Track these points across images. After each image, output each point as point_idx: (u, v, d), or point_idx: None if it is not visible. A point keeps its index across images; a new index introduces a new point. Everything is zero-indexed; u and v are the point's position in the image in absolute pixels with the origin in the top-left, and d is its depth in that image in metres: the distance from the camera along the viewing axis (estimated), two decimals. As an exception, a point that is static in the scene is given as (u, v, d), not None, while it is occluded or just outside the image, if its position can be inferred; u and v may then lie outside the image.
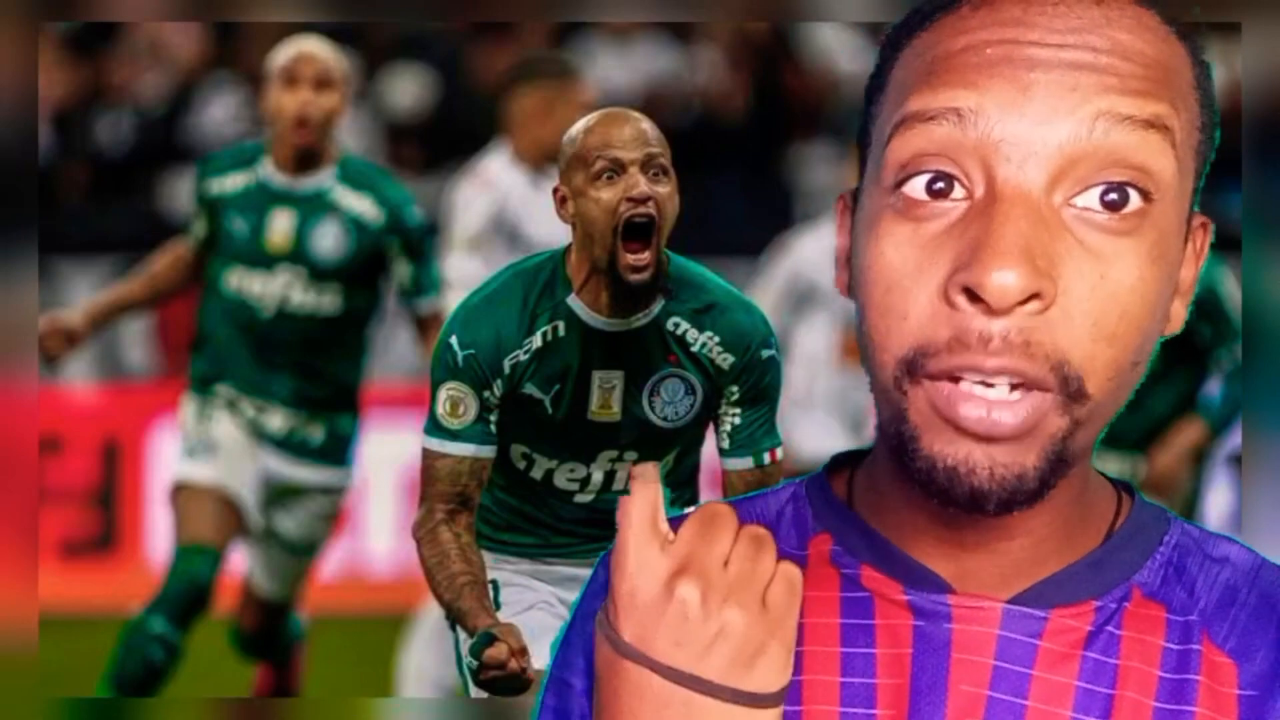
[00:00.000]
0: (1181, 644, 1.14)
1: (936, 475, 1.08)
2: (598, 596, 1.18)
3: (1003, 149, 1.05)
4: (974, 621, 1.14)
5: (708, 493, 3.70)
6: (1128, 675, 1.13)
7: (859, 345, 1.15)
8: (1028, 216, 1.04)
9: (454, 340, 3.33)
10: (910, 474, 1.10)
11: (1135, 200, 1.06)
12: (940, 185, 1.07)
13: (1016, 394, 1.06)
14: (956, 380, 1.06)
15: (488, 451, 3.36)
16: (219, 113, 10.47)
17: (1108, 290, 1.06)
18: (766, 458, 3.38)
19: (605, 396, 3.36)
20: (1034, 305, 1.04)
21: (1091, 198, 1.06)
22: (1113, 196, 1.06)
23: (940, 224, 1.07)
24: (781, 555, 1.14)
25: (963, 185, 1.07)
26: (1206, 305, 5.59)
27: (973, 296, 1.05)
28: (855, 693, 1.14)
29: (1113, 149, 1.05)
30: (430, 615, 5.69)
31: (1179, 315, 1.14)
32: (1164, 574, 1.17)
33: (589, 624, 1.19)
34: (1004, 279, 1.03)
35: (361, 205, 5.13)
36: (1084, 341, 1.06)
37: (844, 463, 1.23)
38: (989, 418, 1.06)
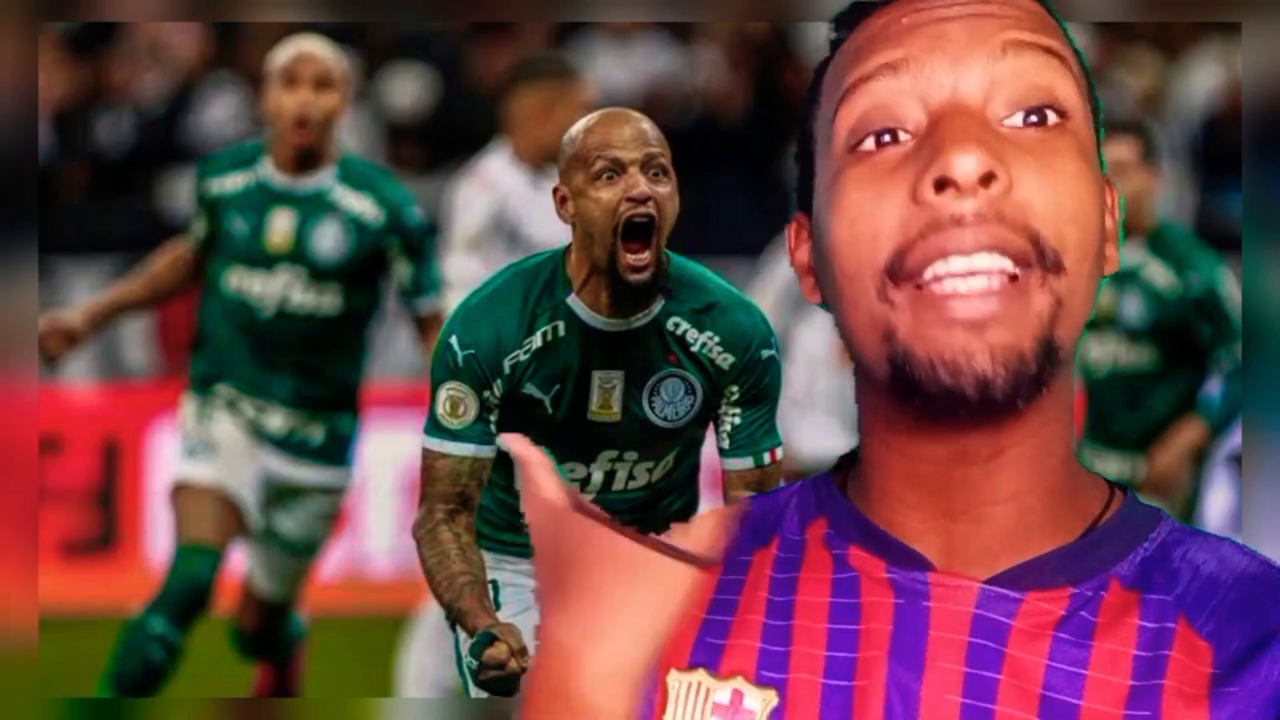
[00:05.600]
0: (1157, 622, 1.17)
1: (940, 374, 1.13)
2: None
3: (935, 80, 1.17)
4: (951, 600, 1.18)
5: (708, 493, 3.70)
6: (1101, 657, 1.16)
7: (835, 322, 1.20)
8: (973, 118, 1.16)
9: (454, 340, 3.33)
10: (914, 388, 1.14)
11: (1053, 117, 1.17)
12: (887, 138, 1.18)
13: (997, 282, 1.13)
14: (938, 279, 1.13)
15: (488, 451, 3.36)
16: (219, 113, 10.47)
17: (1056, 178, 1.15)
18: (766, 458, 3.38)
19: (605, 396, 3.36)
20: (996, 188, 1.13)
21: (1016, 119, 1.17)
22: (1034, 117, 1.17)
23: (894, 158, 1.17)
24: (784, 539, 1.24)
25: (906, 130, 1.17)
26: (1206, 305, 5.59)
27: (940, 186, 1.13)
28: (837, 665, 1.19)
29: (1023, 70, 1.17)
30: (430, 615, 5.68)
31: (1114, 258, 1.21)
32: (1145, 569, 1.20)
33: None
34: (966, 160, 1.13)
35: (361, 205, 5.13)
36: (1051, 221, 1.14)
37: (847, 462, 1.29)
38: (975, 307, 1.13)
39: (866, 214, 1.15)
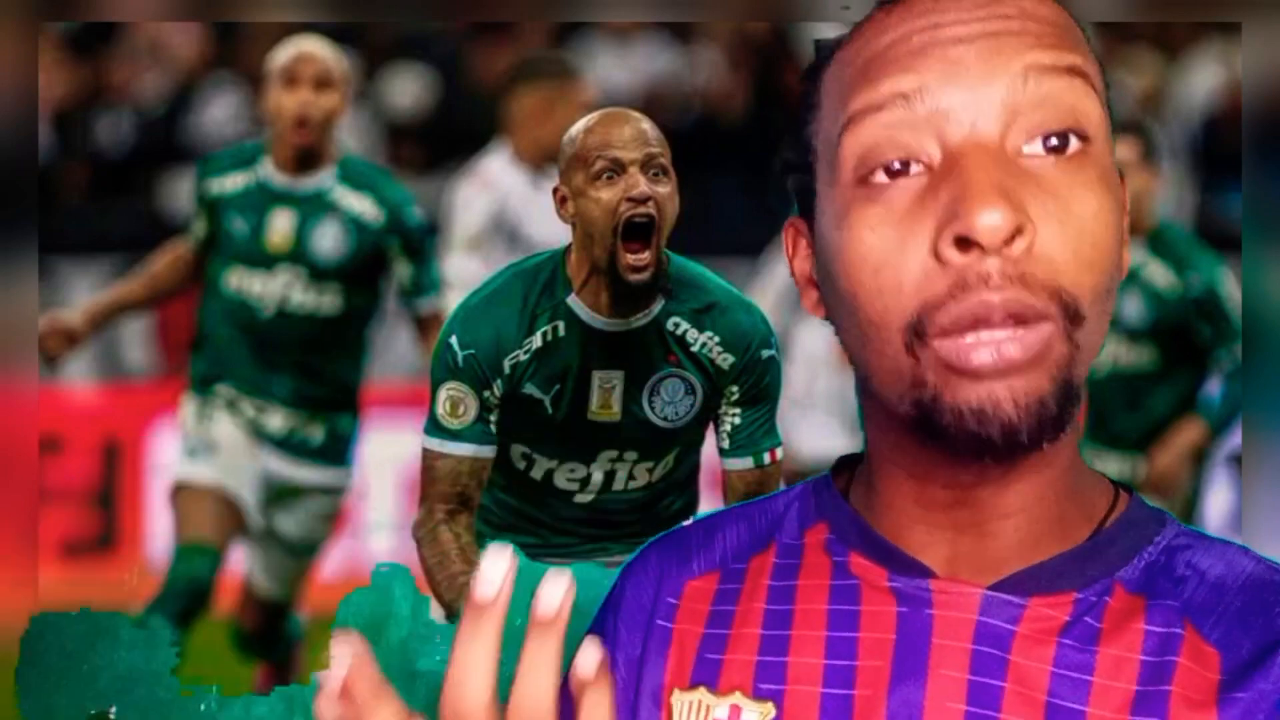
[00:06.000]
0: (1163, 627, 1.16)
1: (966, 422, 1.12)
2: (606, 608, 1.27)
3: (952, 115, 1.13)
4: (954, 607, 1.17)
5: (708, 493, 3.70)
6: (1105, 662, 1.15)
7: (846, 346, 1.19)
8: (993, 162, 1.12)
9: (454, 340, 3.33)
10: (938, 433, 1.13)
11: (1075, 143, 1.14)
12: (898, 166, 1.14)
13: (1020, 330, 1.11)
14: (965, 332, 1.11)
15: (488, 451, 3.36)
16: (219, 113, 10.47)
17: (1074, 223, 1.12)
18: (766, 458, 3.38)
19: (605, 396, 3.36)
20: (1019, 243, 1.10)
21: (1036, 146, 1.13)
22: (1055, 142, 1.13)
23: (908, 198, 1.13)
24: (782, 545, 1.23)
25: (920, 161, 1.14)
26: (1206, 305, 5.59)
27: (963, 245, 1.11)
28: (837, 674, 1.18)
29: (1046, 96, 1.13)
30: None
31: (1126, 261, 1.19)
32: (1149, 573, 1.19)
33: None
34: (992, 218, 1.09)
35: (361, 205, 5.13)
36: (1070, 271, 1.12)
37: (848, 463, 1.28)
38: (1000, 355, 1.11)
39: (890, 265, 1.13)
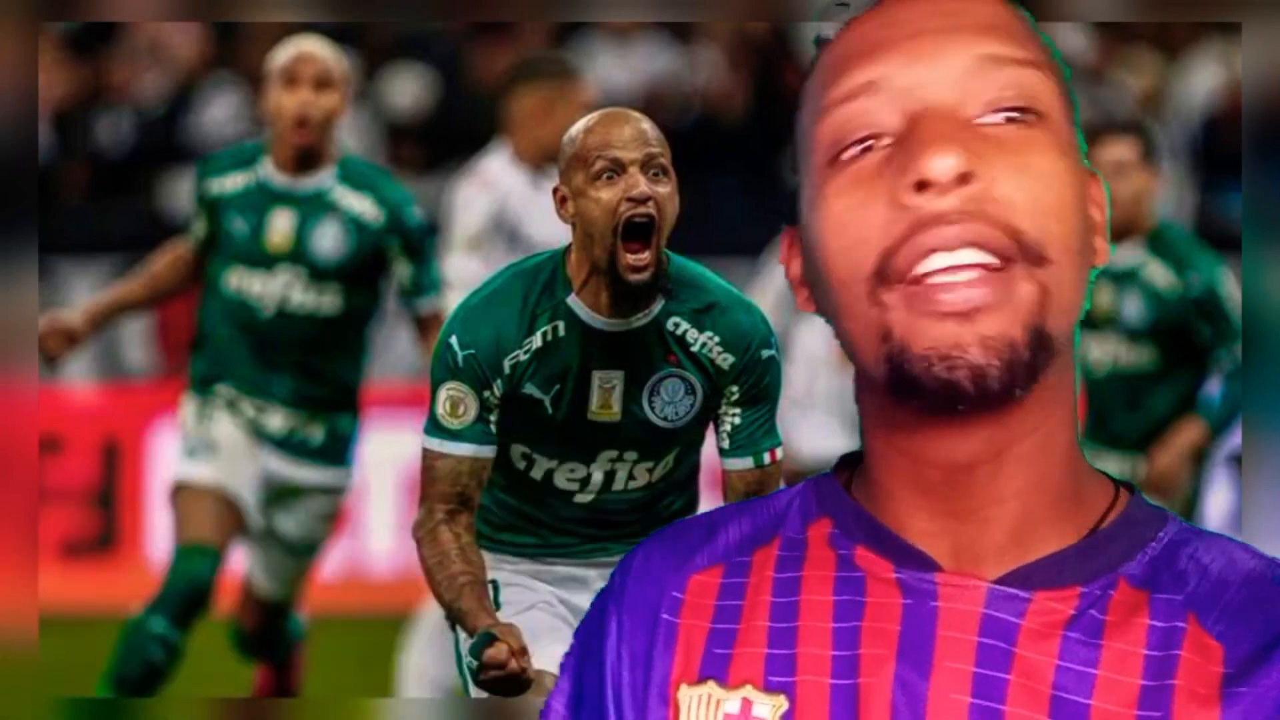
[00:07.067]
0: (1167, 621, 1.17)
1: (934, 368, 1.14)
2: (607, 602, 1.27)
3: (913, 91, 1.18)
4: (960, 600, 1.18)
5: (708, 493, 3.70)
6: (1110, 656, 1.16)
7: (832, 326, 1.21)
8: (949, 120, 1.17)
9: (454, 340, 3.33)
10: (912, 385, 1.15)
11: (1030, 117, 1.19)
12: (866, 142, 1.19)
13: (981, 271, 1.14)
14: (926, 275, 1.14)
15: (488, 451, 3.36)
16: (219, 113, 10.47)
17: (1033, 175, 1.16)
18: (766, 458, 3.38)
19: (605, 396, 3.36)
20: (974, 186, 1.14)
21: (995, 117, 1.18)
22: (1012, 113, 1.18)
23: (872, 162, 1.18)
24: (785, 539, 1.24)
25: (885, 135, 1.19)
26: (1206, 305, 5.60)
27: (920, 188, 1.14)
28: (842, 664, 1.19)
29: (1000, 80, 1.19)
30: (430, 615, 5.69)
31: (1104, 250, 1.22)
32: (1153, 568, 1.20)
33: (581, 633, 1.28)
34: (944, 161, 1.14)
35: (361, 205, 5.13)
36: (1031, 216, 1.15)
37: (849, 462, 1.29)
38: (963, 296, 1.14)
39: (854, 221, 1.17)
